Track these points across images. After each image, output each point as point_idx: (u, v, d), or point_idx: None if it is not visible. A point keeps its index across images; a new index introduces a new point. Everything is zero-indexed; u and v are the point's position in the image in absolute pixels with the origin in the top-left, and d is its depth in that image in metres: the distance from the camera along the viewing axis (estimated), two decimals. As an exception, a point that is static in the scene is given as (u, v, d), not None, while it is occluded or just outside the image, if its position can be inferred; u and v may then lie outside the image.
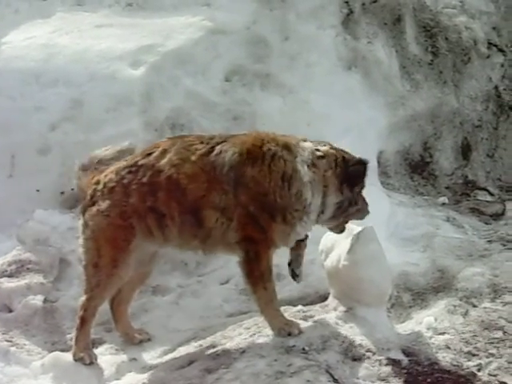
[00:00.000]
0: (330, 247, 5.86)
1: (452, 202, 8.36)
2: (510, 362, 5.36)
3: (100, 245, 5.65)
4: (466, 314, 5.95)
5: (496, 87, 9.31)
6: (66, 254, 6.82)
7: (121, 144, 6.12)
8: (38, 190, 7.15)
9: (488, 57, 9.35)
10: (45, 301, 6.53)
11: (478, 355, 5.47)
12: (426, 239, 7.25)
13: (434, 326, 5.80)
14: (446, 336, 5.67)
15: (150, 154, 5.66)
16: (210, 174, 5.48)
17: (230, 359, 5.37)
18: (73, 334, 5.81)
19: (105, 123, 7.53)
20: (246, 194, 5.44)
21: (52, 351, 5.96)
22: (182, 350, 5.91)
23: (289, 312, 5.87)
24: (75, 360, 5.67)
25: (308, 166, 5.50)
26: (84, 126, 7.52)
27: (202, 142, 5.61)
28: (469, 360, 5.42)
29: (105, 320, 6.16)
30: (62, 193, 7.18)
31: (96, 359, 5.74)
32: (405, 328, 5.88)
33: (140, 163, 5.65)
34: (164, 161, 5.57)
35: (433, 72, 9.00)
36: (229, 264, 6.51)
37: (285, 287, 6.51)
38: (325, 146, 5.66)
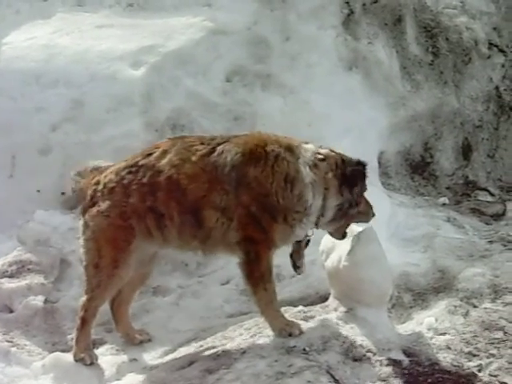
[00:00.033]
0: (330, 248, 5.86)
1: (453, 203, 8.36)
2: (510, 363, 5.36)
3: (100, 245, 5.65)
4: (466, 315, 5.95)
5: (497, 87, 9.31)
6: (66, 254, 6.82)
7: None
8: (38, 191, 7.15)
9: (489, 57, 9.35)
10: (45, 301, 6.53)
11: (478, 356, 5.47)
12: (427, 240, 7.26)
13: (434, 326, 5.80)
14: (447, 336, 5.67)
15: (150, 155, 5.66)
16: (211, 174, 5.48)
17: (230, 360, 5.36)
18: (73, 335, 5.81)
19: (105, 123, 7.54)
20: (247, 194, 5.44)
21: (53, 352, 5.96)
22: (183, 351, 5.91)
23: (289, 312, 5.86)
24: (76, 360, 5.67)
25: (310, 167, 5.51)
26: (85, 126, 7.52)
27: (202, 143, 5.61)
28: (469, 360, 5.42)
29: (105, 320, 6.17)
30: (63, 193, 7.18)
31: (97, 360, 5.74)
32: (405, 328, 5.88)
33: (140, 163, 5.65)
34: (164, 161, 5.58)
35: (433, 72, 9.00)
36: (229, 265, 6.51)
37: (285, 288, 6.53)
38: (325, 149, 5.66)
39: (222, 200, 5.46)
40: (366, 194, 5.75)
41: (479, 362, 5.39)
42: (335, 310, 5.79)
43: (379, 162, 8.26)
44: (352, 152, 7.24)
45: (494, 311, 5.98)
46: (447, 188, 8.62)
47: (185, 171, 5.51)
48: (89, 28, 8.46)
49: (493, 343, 5.59)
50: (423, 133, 8.73)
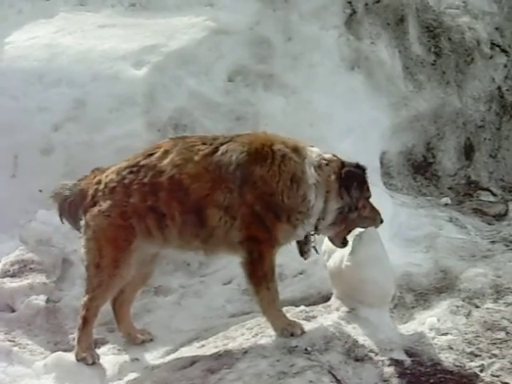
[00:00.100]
0: (332, 248, 5.86)
1: (455, 203, 8.35)
2: (512, 363, 5.37)
3: (101, 245, 5.65)
4: (468, 315, 5.95)
5: (499, 88, 9.30)
6: (68, 254, 6.83)
7: None
8: (40, 191, 7.14)
9: (491, 57, 9.34)
10: (47, 301, 6.54)
11: (480, 356, 5.47)
12: (429, 240, 7.25)
13: (436, 326, 5.80)
14: (449, 336, 5.67)
15: (151, 155, 5.67)
16: (214, 173, 5.49)
17: (232, 359, 5.37)
18: (75, 334, 5.81)
19: (108, 123, 7.54)
20: (252, 193, 5.45)
21: (54, 351, 5.96)
22: (185, 351, 5.91)
23: (291, 312, 5.87)
24: (78, 360, 5.67)
25: (315, 168, 5.53)
26: (87, 126, 7.53)
27: (204, 143, 5.61)
28: (471, 360, 5.42)
29: (107, 320, 6.17)
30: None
31: (98, 359, 5.74)
32: (407, 328, 5.88)
33: (141, 163, 5.65)
34: (166, 161, 5.58)
35: (436, 72, 8.99)
36: (231, 264, 6.51)
37: (287, 287, 6.53)
38: (328, 154, 5.69)
39: (226, 198, 5.46)
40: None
41: (481, 362, 5.39)
42: (337, 309, 5.79)
43: (381, 162, 8.26)
44: (354, 152, 7.30)
45: (496, 311, 5.98)
46: (449, 188, 8.61)
47: (187, 171, 5.51)
48: (91, 28, 8.46)
49: (495, 343, 5.59)
50: (425, 133, 8.73)
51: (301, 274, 6.78)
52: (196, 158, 5.54)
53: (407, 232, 7.37)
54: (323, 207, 5.56)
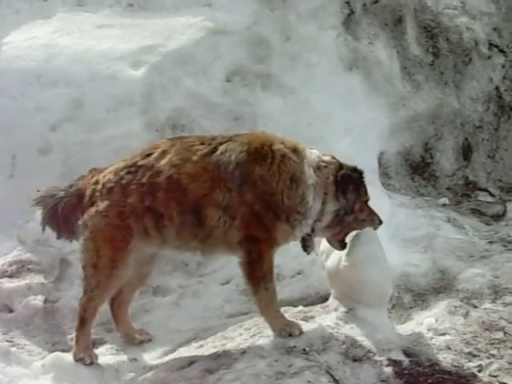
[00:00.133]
0: (330, 248, 5.86)
1: (453, 203, 8.36)
2: (510, 363, 5.36)
3: (99, 245, 5.64)
4: (466, 315, 5.95)
5: (497, 88, 9.31)
6: (66, 254, 6.82)
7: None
8: (38, 191, 7.13)
9: (489, 58, 9.34)
10: (45, 301, 6.53)
11: (478, 356, 5.47)
12: (427, 240, 7.26)
13: (434, 326, 5.81)
14: (447, 337, 5.67)
15: (149, 155, 5.66)
16: (213, 173, 5.49)
17: (230, 360, 5.37)
18: (73, 335, 5.81)
19: (105, 123, 7.53)
20: (251, 193, 5.45)
21: (52, 351, 5.95)
22: (183, 351, 5.91)
23: (289, 313, 5.87)
24: (76, 360, 5.67)
25: (314, 169, 5.54)
26: (85, 126, 7.52)
27: (202, 143, 5.61)
28: (469, 361, 5.42)
29: (105, 320, 6.17)
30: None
31: (96, 359, 5.74)
32: (405, 329, 5.89)
33: (139, 164, 5.65)
34: (164, 161, 5.57)
35: (434, 73, 9.00)
36: (229, 265, 6.51)
37: (285, 288, 6.53)
38: (328, 156, 5.70)
39: (225, 198, 5.46)
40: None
41: (479, 362, 5.40)
42: (335, 310, 5.80)
43: (379, 163, 8.26)
44: (352, 152, 7.31)
45: (494, 312, 5.99)
46: (447, 188, 8.61)
47: (186, 171, 5.50)
48: (89, 28, 8.45)
49: (493, 344, 5.59)
50: (423, 133, 8.73)
51: (299, 274, 6.78)
52: (194, 157, 5.54)
53: (405, 232, 7.38)
54: (321, 209, 5.57)
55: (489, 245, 7.34)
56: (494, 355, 5.47)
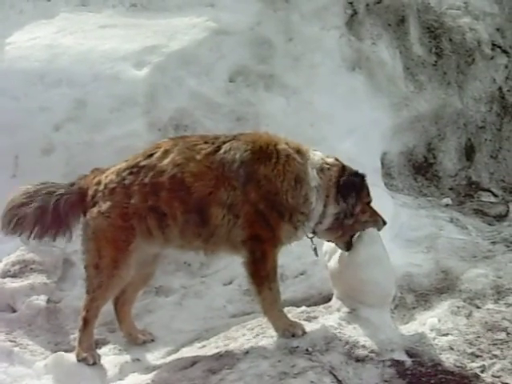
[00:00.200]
0: (333, 248, 5.86)
1: (456, 203, 8.35)
2: (513, 364, 5.38)
3: (101, 246, 5.64)
4: (469, 316, 5.95)
5: (500, 88, 9.29)
6: (69, 254, 6.82)
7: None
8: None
9: (492, 58, 9.33)
10: (48, 301, 6.54)
11: (481, 356, 5.47)
12: (430, 240, 7.26)
13: (437, 327, 5.81)
14: (450, 337, 5.67)
15: (151, 155, 5.66)
16: (217, 171, 5.49)
17: (233, 360, 5.37)
18: (76, 335, 5.81)
19: (108, 123, 7.54)
20: (256, 192, 5.45)
21: (55, 351, 5.96)
22: (186, 351, 5.92)
23: (292, 313, 5.87)
24: (78, 360, 5.67)
25: (317, 171, 5.54)
26: (88, 126, 7.52)
27: (206, 142, 5.62)
28: (472, 361, 5.42)
29: (108, 320, 6.17)
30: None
31: (99, 359, 5.74)
32: (408, 329, 5.88)
33: (141, 164, 5.65)
34: (167, 161, 5.57)
35: (437, 73, 8.99)
36: (232, 265, 6.51)
37: (288, 288, 6.53)
38: (331, 158, 5.70)
39: (229, 196, 5.46)
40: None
41: (482, 362, 5.40)
42: (338, 310, 5.79)
43: (382, 163, 8.25)
44: (355, 152, 7.31)
45: (496, 312, 5.99)
46: (450, 189, 8.60)
47: (189, 170, 5.51)
48: (92, 28, 8.46)
49: (496, 344, 5.59)
50: (426, 133, 8.72)
51: (302, 274, 6.78)
52: (198, 156, 5.54)
53: (408, 232, 7.37)
54: (322, 211, 5.58)
55: (492, 245, 7.33)
56: (496, 356, 5.47)
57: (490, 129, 9.11)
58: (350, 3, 8.96)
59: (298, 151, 5.58)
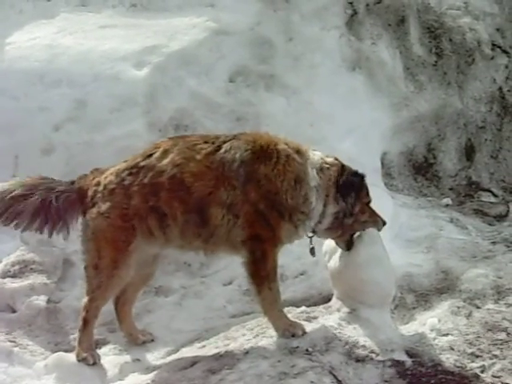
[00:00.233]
0: (333, 248, 5.87)
1: (456, 204, 8.35)
2: (513, 364, 5.37)
3: (100, 246, 5.64)
4: (469, 316, 5.95)
5: (500, 88, 9.29)
6: (69, 254, 6.82)
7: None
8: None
9: (492, 58, 9.33)
10: (48, 301, 6.54)
11: (481, 356, 5.47)
12: (430, 240, 7.26)
13: (437, 327, 5.81)
14: (450, 337, 5.67)
15: (150, 155, 5.66)
16: (217, 171, 5.49)
17: (233, 360, 5.37)
18: (76, 335, 5.81)
19: (109, 124, 7.53)
20: (256, 192, 5.45)
21: (55, 352, 5.95)
22: (185, 351, 5.91)
23: (292, 313, 5.87)
24: (78, 360, 5.67)
25: (317, 171, 5.55)
26: (88, 126, 7.52)
27: (206, 142, 5.62)
28: (472, 361, 5.42)
29: (108, 320, 6.17)
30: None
31: (99, 360, 5.74)
32: (408, 329, 5.89)
33: (141, 165, 5.64)
34: (166, 160, 5.57)
35: (437, 73, 8.99)
36: (232, 265, 6.51)
37: (288, 288, 6.53)
38: (331, 157, 5.70)
39: (229, 196, 5.46)
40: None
41: (482, 362, 5.40)
42: (338, 310, 5.79)
43: (382, 163, 8.25)
44: (355, 152, 7.31)
45: (497, 312, 5.98)
46: (450, 189, 8.60)
47: (189, 170, 5.51)
48: (92, 28, 8.45)
49: (496, 344, 5.59)
50: (426, 133, 8.72)
51: (302, 274, 6.78)
52: (198, 156, 5.54)
53: (408, 233, 7.37)
54: (322, 210, 5.58)
55: (492, 245, 7.33)
56: (496, 356, 5.47)
57: (490, 129, 9.11)
58: (350, 3, 8.96)
59: (298, 151, 5.58)
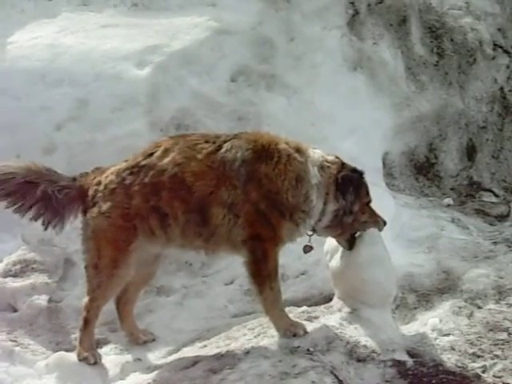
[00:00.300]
0: (334, 248, 5.86)
1: (457, 204, 8.35)
2: (514, 364, 5.37)
3: (100, 245, 5.64)
4: (470, 316, 5.95)
5: (501, 88, 9.29)
6: (70, 253, 6.82)
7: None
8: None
9: (493, 58, 9.33)
10: (49, 301, 6.54)
11: (482, 357, 5.47)
12: (431, 240, 7.25)
13: (438, 327, 5.81)
14: (451, 337, 5.67)
15: (151, 154, 5.65)
16: (218, 170, 5.48)
17: (234, 360, 5.36)
18: (77, 334, 5.81)
19: (110, 123, 7.53)
20: (257, 191, 5.45)
21: (56, 351, 5.95)
22: (187, 351, 5.91)
23: (293, 313, 5.87)
24: (79, 360, 5.67)
25: (317, 169, 5.55)
26: (89, 125, 7.52)
27: (207, 141, 5.61)
28: (473, 361, 5.42)
29: (109, 320, 6.17)
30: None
31: (100, 359, 5.74)
32: (409, 329, 5.89)
33: (142, 164, 5.64)
34: (167, 160, 5.57)
35: (438, 73, 8.99)
36: (233, 265, 6.51)
37: (289, 288, 6.53)
38: (331, 156, 5.70)
39: (230, 195, 5.45)
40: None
41: (483, 363, 5.39)
42: (339, 310, 5.79)
43: (383, 163, 8.25)
44: (356, 152, 7.31)
45: (498, 312, 5.98)
46: (451, 189, 8.60)
47: (190, 169, 5.50)
48: (94, 27, 8.45)
49: (497, 344, 5.59)
50: (428, 133, 8.72)
51: (303, 274, 6.78)
52: (199, 156, 5.53)
53: (409, 233, 7.37)
54: (322, 208, 5.58)
55: (493, 245, 7.33)
56: (498, 356, 5.47)
57: (492, 129, 9.11)
58: (352, 3, 8.96)
59: (298, 150, 5.58)
